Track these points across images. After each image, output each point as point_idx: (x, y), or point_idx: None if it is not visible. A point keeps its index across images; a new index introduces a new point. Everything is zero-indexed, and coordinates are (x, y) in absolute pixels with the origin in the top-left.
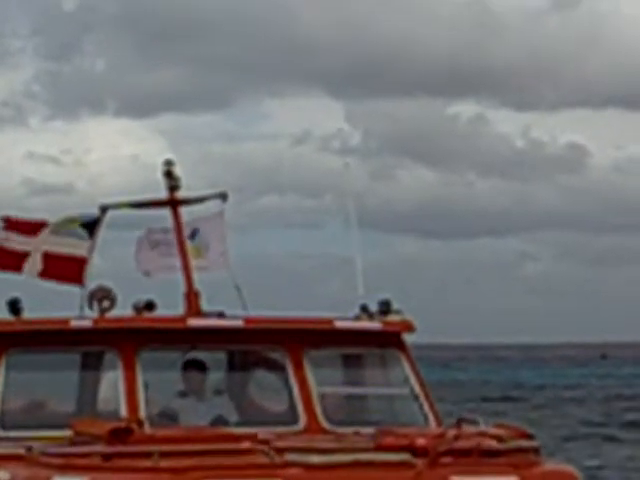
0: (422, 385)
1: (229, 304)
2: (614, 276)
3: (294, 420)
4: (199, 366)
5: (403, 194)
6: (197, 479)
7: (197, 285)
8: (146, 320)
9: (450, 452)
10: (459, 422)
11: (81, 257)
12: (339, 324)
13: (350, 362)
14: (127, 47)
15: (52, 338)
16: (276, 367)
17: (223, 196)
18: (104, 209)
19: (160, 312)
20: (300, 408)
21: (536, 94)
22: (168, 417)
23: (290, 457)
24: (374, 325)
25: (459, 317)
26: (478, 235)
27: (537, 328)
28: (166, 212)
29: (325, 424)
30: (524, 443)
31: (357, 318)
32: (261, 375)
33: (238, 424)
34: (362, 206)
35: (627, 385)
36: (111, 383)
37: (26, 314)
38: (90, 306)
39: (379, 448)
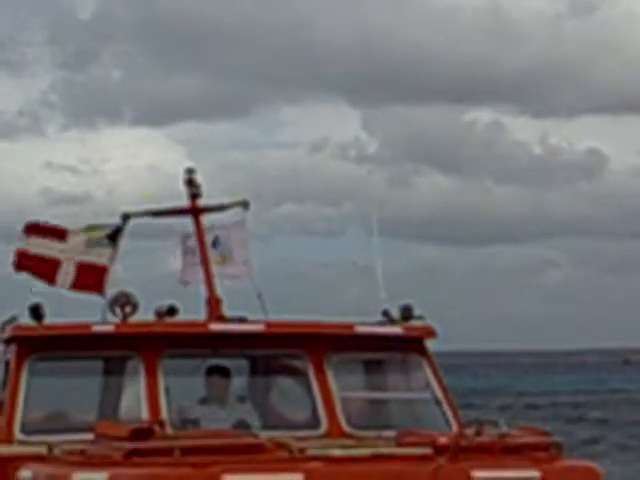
0: (444, 390)
1: (250, 311)
2: (635, 281)
3: (316, 424)
4: (223, 372)
5: (420, 201)
6: (218, 473)
7: (218, 292)
8: (168, 325)
9: (471, 448)
10: (480, 424)
11: (103, 266)
12: (360, 329)
13: (372, 367)
14: (144, 55)
15: (74, 343)
16: (298, 372)
17: (244, 204)
18: (126, 217)
19: (182, 318)
20: (322, 412)
21: (554, 100)
22: (189, 423)
23: (311, 451)
24: (395, 330)
25: (477, 324)
26: (496, 242)
27: (557, 335)
28: (187, 220)
29: (347, 428)
30: (545, 439)
31: (379, 324)
32: (283, 381)
33: (260, 429)
34: (380, 213)
35: None
36: (134, 392)
37: (48, 320)
38: (112, 312)
39: (400, 445)
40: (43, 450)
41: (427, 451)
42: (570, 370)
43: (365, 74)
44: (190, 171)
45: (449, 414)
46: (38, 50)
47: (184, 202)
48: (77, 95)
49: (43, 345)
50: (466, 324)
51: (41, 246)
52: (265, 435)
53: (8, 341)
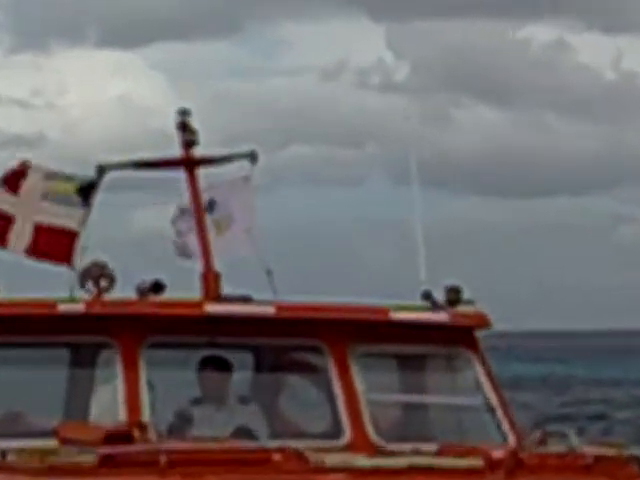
0: (499, 394)
1: (255, 288)
2: None
3: (337, 434)
4: (221, 365)
5: (460, 140)
6: None
7: (217, 266)
8: (152, 305)
9: (532, 464)
10: (544, 434)
11: (71, 230)
12: (396, 315)
13: (408, 364)
14: None
15: (34, 326)
16: (315, 369)
17: (252, 156)
18: (102, 170)
19: (170, 296)
20: (344, 419)
21: (630, 12)
22: (178, 427)
23: (330, 460)
24: (440, 317)
25: (533, 297)
26: (556, 193)
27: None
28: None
29: (375, 439)
30: (622, 453)
31: (419, 308)
32: (296, 379)
33: (267, 438)
34: (408, 157)
35: None
36: (109, 388)
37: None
38: (83, 286)
39: (442, 454)
40: None
41: (478, 463)
42: None
43: None
44: (184, 113)
45: (505, 424)
46: None
47: (168, 150)
48: (28, 11)
49: None
50: (518, 298)
51: None
52: (273, 445)
53: None
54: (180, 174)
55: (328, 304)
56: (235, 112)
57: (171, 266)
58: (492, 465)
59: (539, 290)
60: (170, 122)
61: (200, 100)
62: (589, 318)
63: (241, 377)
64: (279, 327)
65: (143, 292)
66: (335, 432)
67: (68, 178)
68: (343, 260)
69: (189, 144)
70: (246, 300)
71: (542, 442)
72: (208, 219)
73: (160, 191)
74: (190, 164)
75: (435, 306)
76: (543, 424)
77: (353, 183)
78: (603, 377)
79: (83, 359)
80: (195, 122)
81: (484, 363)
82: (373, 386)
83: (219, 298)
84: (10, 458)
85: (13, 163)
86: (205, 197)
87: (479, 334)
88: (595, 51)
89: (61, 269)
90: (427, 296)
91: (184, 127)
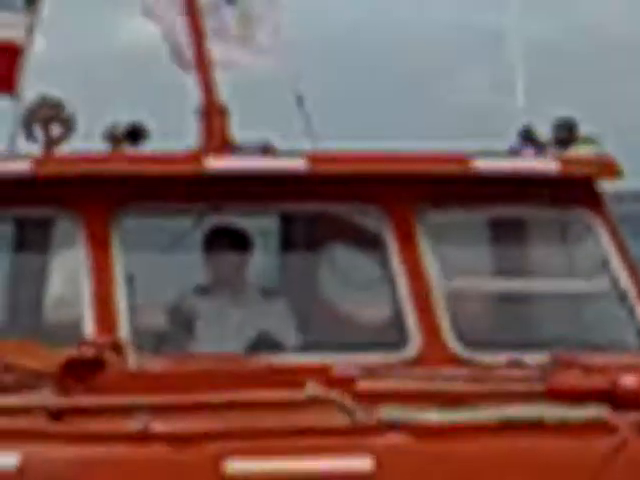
0: (634, 274)
1: (281, 129)
2: None
3: (400, 340)
4: (236, 240)
5: None
6: (217, 456)
7: (224, 95)
8: (130, 159)
9: None
10: None
11: (12, 44)
12: (482, 164)
13: (502, 235)
14: None
15: None
16: (368, 242)
17: None
18: None
19: (155, 146)
20: (411, 317)
21: None
22: (173, 336)
23: (386, 413)
24: (546, 165)
25: None
26: None
27: None
28: None
29: (456, 347)
30: None
31: (514, 153)
32: (341, 258)
33: (300, 349)
34: None
35: None
36: (66, 279)
37: None
38: (28, 135)
39: (552, 394)
40: None
41: (600, 413)
42: None
43: None
44: None
45: None
46: None
47: None
48: None
49: None
50: None
51: None
52: (306, 360)
53: None
54: None
55: (384, 153)
56: None
57: (155, 99)
58: (622, 406)
59: None
60: None
61: None
62: None
63: (264, 261)
64: (314, 186)
65: (116, 140)
66: (398, 338)
67: None
68: (408, 88)
69: None
70: (266, 150)
71: None
72: (226, 13)
73: None
74: None
75: (538, 148)
76: None
77: None
78: None
79: (31, 236)
80: None
81: (612, 231)
82: (451, 268)
83: (227, 147)
84: None
85: None
86: None
87: (604, 189)
88: None
89: None
90: (527, 134)
91: None
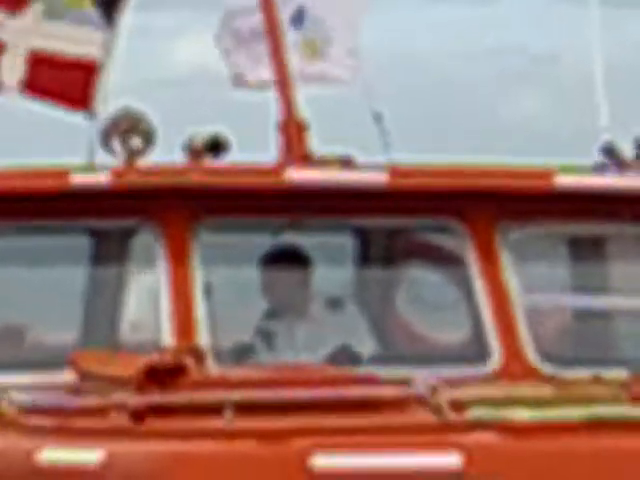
0: None
1: (358, 144)
2: None
3: (481, 355)
4: (292, 259)
5: None
6: (304, 451)
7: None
8: (211, 172)
9: None
10: None
11: (90, 61)
12: (565, 181)
13: (584, 251)
14: None
15: (39, 206)
16: (448, 259)
17: None
18: None
19: (234, 157)
20: (492, 333)
21: None
22: (251, 347)
23: (475, 412)
24: (630, 181)
25: None
26: None
27: None
28: None
29: (537, 362)
30: None
31: (598, 169)
32: (419, 274)
33: (378, 361)
34: None
35: None
36: (146, 292)
37: None
38: (106, 147)
39: (636, 399)
40: None
41: None
42: None
43: None
44: None
45: None
46: None
47: None
48: None
49: None
50: None
51: None
52: (385, 372)
53: None
54: None
55: (465, 167)
56: None
57: (234, 114)
58: None
59: None
60: None
61: None
62: None
63: (334, 273)
64: (395, 201)
65: (196, 153)
66: (478, 353)
67: None
68: (478, 104)
69: None
70: (347, 163)
71: None
72: (293, 36)
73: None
74: None
75: (621, 165)
76: None
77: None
78: None
79: (109, 251)
80: None
81: None
82: (532, 285)
83: (307, 159)
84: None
85: None
86: (290, 5)
87: None
88: None
89: (75, 119)
90: (609, 151)
91: None
